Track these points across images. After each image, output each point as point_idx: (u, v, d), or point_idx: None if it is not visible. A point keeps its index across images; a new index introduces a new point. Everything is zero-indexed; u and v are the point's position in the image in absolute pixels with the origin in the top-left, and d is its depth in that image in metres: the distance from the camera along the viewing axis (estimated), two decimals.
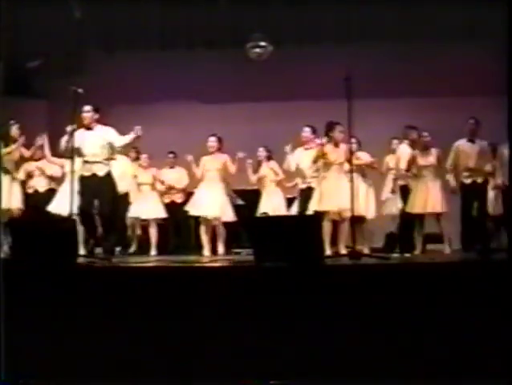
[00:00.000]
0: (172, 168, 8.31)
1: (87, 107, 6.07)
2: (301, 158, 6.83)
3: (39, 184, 7.51)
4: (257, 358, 3.60)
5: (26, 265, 4.32)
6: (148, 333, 3.73)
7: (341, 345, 3.58)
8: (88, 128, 6.05)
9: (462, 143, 6.78)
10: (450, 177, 6.75)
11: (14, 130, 6.91)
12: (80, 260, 4.90)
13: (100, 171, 6.01)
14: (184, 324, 3.72)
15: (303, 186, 6.83)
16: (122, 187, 7.52)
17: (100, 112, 6.24)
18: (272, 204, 7.58)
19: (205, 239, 7.31)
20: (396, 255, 6.30)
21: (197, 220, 7.55)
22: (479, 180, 6.68)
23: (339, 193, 5.93)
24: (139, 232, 8.37)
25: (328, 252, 5.77)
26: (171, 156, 8.36)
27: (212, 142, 7.35)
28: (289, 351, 3.61)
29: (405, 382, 3.47)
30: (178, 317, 3.73)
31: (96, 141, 6.03)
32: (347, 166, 5.97)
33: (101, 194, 5.98)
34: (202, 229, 7.34)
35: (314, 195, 6.29)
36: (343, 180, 5.98)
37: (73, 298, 3.86)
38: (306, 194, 6.63)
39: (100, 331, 3.75)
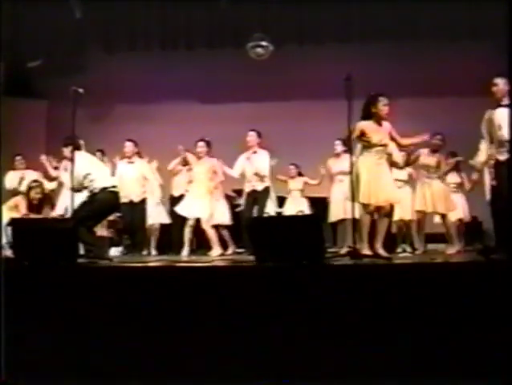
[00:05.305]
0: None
1: None
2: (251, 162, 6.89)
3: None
4: (257, 357, 3.60)
5: (26, 265, 4.33)
6: (148, 332, 3.72)
7: (341, 345, 3.58)
8: None
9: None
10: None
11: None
12: (80, 259, 4.89)
13: None
14: (184, 323, 3.72)
15: (249, 189, 6.91)
16: (139, 191, 7.46)
17: (100, 112, 6.22)
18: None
19: (188, 239, 7.15)
20: (402, 254, 6.27)
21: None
22: None
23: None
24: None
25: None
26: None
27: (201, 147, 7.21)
28: (289, 351, 3.61)
29: (405, 382, 3.46)
30: (178, 316, 3.73)
31: None
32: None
33: None
34: (186, 230, 7.15)
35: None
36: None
37: (73, 298, 3.85)
38: (255, 197, 6.81)
39: (100, 331, 3.75)
